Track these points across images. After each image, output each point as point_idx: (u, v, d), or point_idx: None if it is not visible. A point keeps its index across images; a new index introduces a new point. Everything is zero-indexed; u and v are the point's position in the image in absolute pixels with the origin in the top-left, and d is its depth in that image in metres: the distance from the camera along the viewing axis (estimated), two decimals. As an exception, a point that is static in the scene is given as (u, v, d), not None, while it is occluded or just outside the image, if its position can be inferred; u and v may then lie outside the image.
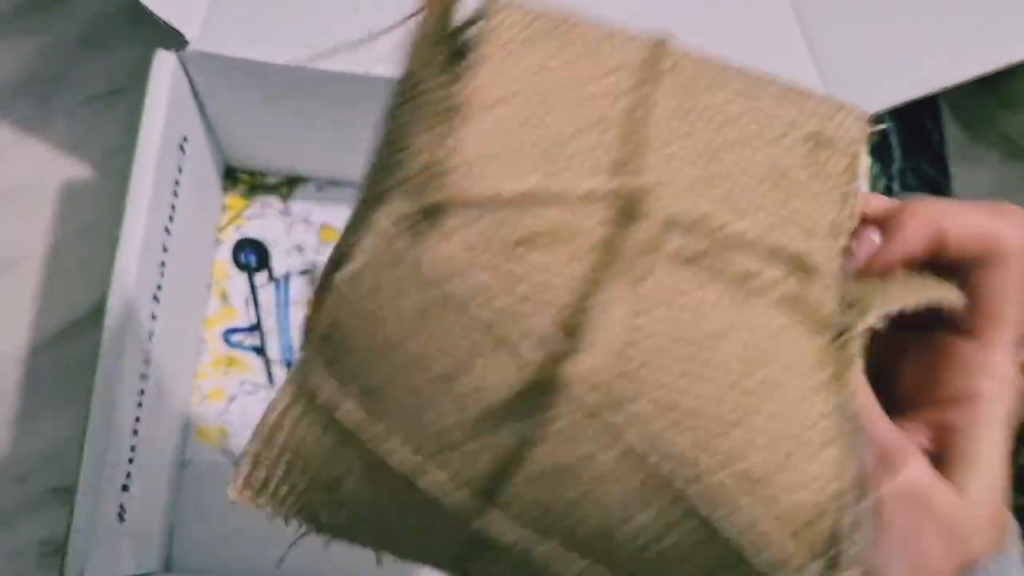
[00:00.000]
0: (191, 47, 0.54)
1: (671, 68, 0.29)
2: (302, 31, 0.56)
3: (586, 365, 0.24)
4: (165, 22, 0.53)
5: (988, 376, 0.30)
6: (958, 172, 0.81)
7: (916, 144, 0.81)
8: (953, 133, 0.82)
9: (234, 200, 0.69)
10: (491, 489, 0.27)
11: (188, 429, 0.64)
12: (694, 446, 0.25)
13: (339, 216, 0.70)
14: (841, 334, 0.27)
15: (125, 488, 0.51)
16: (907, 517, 0.28)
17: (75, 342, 0.66)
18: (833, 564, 0.26)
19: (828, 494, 0.26)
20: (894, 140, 0.81)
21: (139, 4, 0.71)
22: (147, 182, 0.51)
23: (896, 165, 0.80)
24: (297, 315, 0.67)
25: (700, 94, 0.29)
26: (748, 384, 0.26)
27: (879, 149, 0.80)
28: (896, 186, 0.79)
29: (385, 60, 0.54)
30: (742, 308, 0.27)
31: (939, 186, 0.80)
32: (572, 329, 0.25)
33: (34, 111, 0.71)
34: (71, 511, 0.47)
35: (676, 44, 0.30)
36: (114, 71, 0.72)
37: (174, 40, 0.54)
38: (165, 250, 0.54)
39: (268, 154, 0.68)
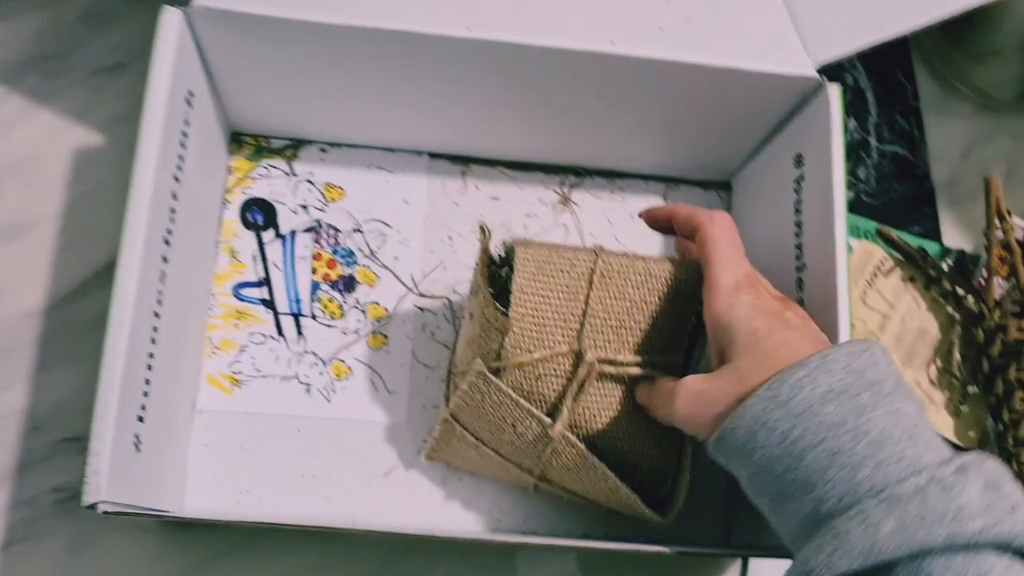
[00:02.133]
0: (197, 3, 0.56)
1: (600, 272, 0.56)
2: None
3: (557, 428, 0.56)
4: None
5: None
6: (932, 124, 0.84)
7: (891, 99, 0.84)
8: (926, 87, 0.85)
9: (240, 163, 0.71)
10: (537, 471, 0.60)
11: (200, 377, 0.67)
12: (611, 452, 0.58)
13: (341, 176, 0.72)
14: None
15: (140, 419, 0.54)
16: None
17: (86, 300, 0.69)
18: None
19: (668, 475, 0.61)
20: (870, 96, 0.83)
21: (141, -21, 0.75)
22: (157, 132, 0.54)
23: (872, 120, 0.83)
24: (303, 269, 0.70)
25: (615, 283, 0.57)
26: (636, 426, 0.58)
27: (855, 105, 0.83)
28: (873, 140, 0.82)
29: (378, 13, 0.58)
30: (631, 391, 0.58)
31: (914, 139, 0.82)
32: (554, 411, 0.57)
33: (40, 86, 0.73)
34: (86, 456, 0.49)
35: (604, 253, 0.57)
36: (117, 46, 0.75)
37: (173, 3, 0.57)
38: (175, 198, 0.57)
39: (272, 118, 0.70)
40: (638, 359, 0.57)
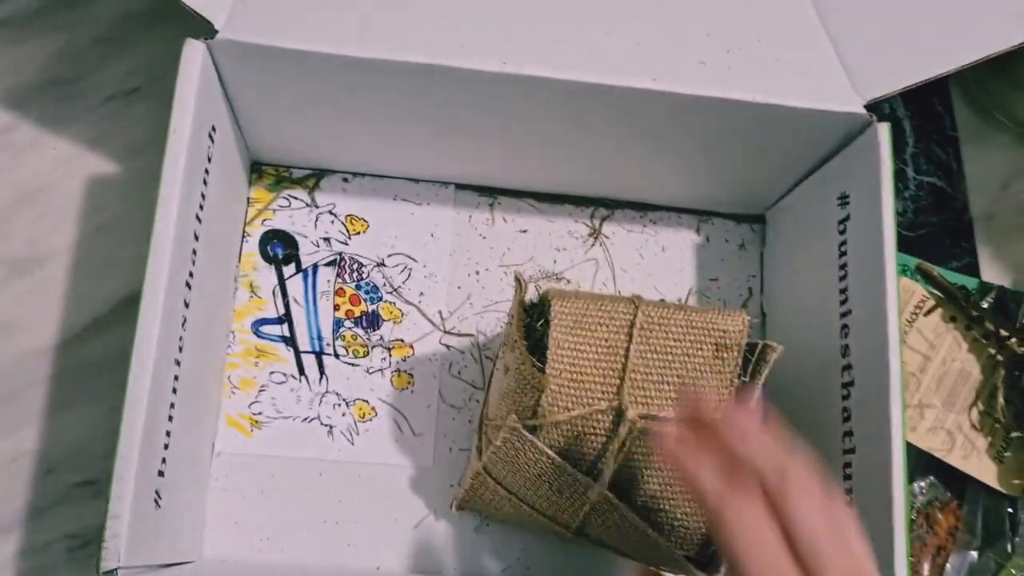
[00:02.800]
0: (220, 36, 0.53)
1: (640, 324, 0.54)
2: (327, 19, 0.56)
3: (597, 490, 0.54)
4: (193, 12, 0.53)
5: None
6: (970, 155, 0.81)
7: (928, 129, 0.81)
8: (964, 116, 0.82)
9: (260, 193, 0.69)
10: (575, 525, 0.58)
11: (219, 418, 0.64)
12: (654, 510, 0.56)
13: (364, 207, 0.70)
14: None
15: (161, 474, 0.51)
16: None
17: (101, 338, 0.66)
18: None
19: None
20: (907, 125, 0.81)
21: (156, 6, 0.72)
22: (179, 168, 0.51)
23: (909, 150, 0.80)
24: (325, 305, 0.67)
25: (656, 336, 0.54)
26: (679, 484, 0.55)
27: (892, 136, 0.80)
28: (910, 170, 0.79)
29: (410, 46, 0.55)
30: None
31: (951, 169, 0.80)
32: (593, 469, 0.55)
33: (54, 111, 0.71)
34: (105, 502, 0.47)
35: (644, 304, 0.55)
36: (133, 71, 0.72)
37: (195, 36, 0.54)
38: (197, 238, 0.54)
39: (294, 148, 0.68)
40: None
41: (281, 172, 0.70)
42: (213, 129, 0.57)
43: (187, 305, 0.53)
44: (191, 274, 0.54)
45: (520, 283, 0.57)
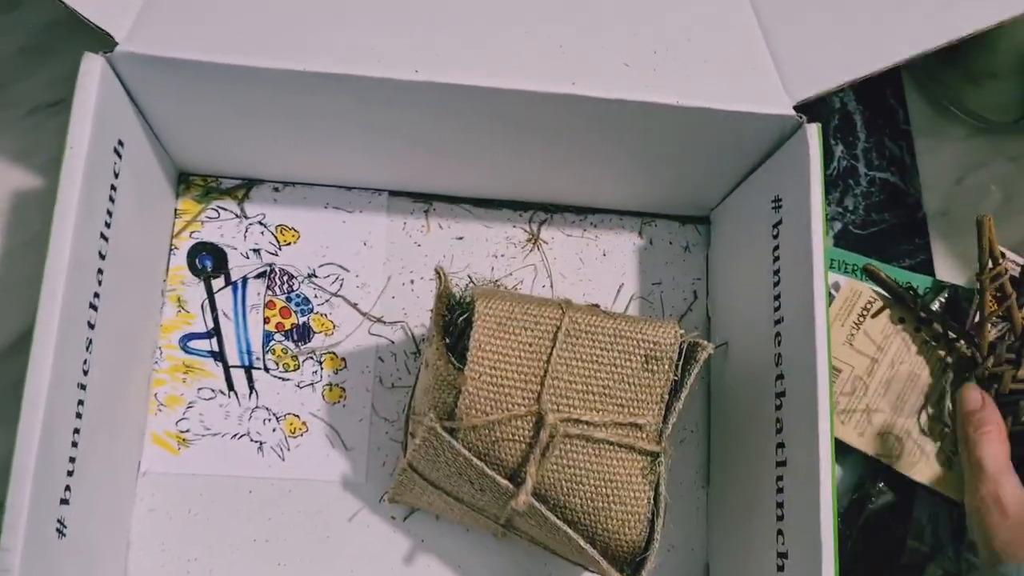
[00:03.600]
0: (120, 48, 0.52)
1: (566, 330, 0.53)
2: (236, 28, 0.54)
3: (521, 498, 0.52)
4: (92, 25, 0.51)
5: None
6: (924, 150, 0.79)
7: (880, 123, 0.79)
8: (918, 109, 0.80)
9: (188, 204, 0.67)
10: (503, 519, 0.57)
11: (144, 437, 0.63)
12: (579, 512, 0.54)
13: (295, 216, 0.68)
14: (656, 457, 0.53)
15: (65, 502, 0.50)
16: None
17: (20, 357, 0.64)
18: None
19: (639, 538, 0.54)
20: (858, 120, 0.79)
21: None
22: (75, 188, 0.49)
23: (861, 145, 0.79)
24: (255, 318, 0.66)
25: (582, 343, 0.53)
26: (605, 489, 0.53)
27: (843, 129, 0.78)
28: (861, 166, 0.78)
29: (319, 55, 0.54)
30: (600, 454, 0.53)
31: (905, 165, 0.78)
32: (515, 476, 0.53)
33: (-22, 122, 0.69)
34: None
35: (572, 309, 0.54)
36: (58, 81, 0.71)
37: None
38: (103, 257, 0.53)
39: (221, 158, 0.66)
40: (605, 420, 0.53)
41: (209, 182, 0.68)
42: (120, 144, 0.55)
43: (92, 327, 0.52)
44: (96, 295, 0.52)
45: (440, 275, 0.55)
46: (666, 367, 0.53)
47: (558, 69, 0.56)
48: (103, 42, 0.52)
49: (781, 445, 0.56)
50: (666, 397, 0.54)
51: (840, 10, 0.61)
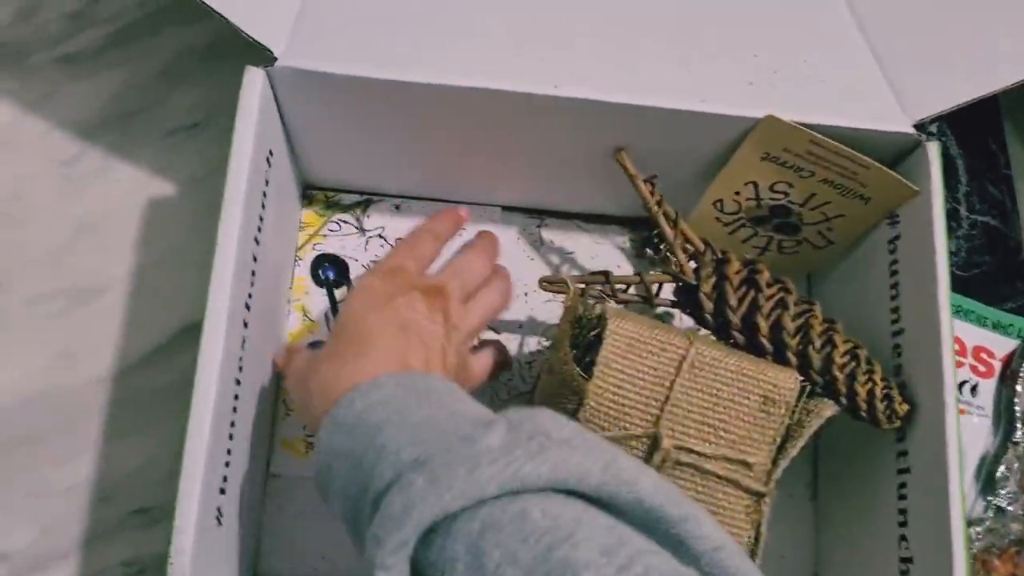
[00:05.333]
0: (279, 63, 0.54)
1: (691, 361, 0.53)
2: (383, 43, 0.56)
3: None
4: (252, 40, 0.53)
5: None
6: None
7: (981, 167, 0.80)
8: (1018, 155, 0.81)
9: (311, 217, 0.69)
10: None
11: (274, 442, 0.64)
12: None
13: (411, 230, 0.69)
14: (761, 497, 0.53)
15: (222, 491, 0.51)
16: None
17: (159, 367, 0.66)
18: None
19: None
20: (960, 164, 0.80)
21: (218, 41, 0.73)
22: (240, 193, 0.51)
23: (962, 188, 0.79)
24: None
25: (704, 375, 0.53)
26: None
27: (945, 173, 0.79)
28: (963, 209, 0.78)
29: (464, 71, 0.55)
30: (707, 486, 0.53)
31: (1005, 208, 0.79)
32: None
33: (119, 143, 0.72)
34: (170, 527, 0.46)
35: (698, 341, 0.53)
36: (195, 104, 0.73)
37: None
38: (255, 260, 0.54)
39: (344, 171, 0.68)
40: (717, 453, 0.53)
41: (331, 197, 0.70)
42: (271, 153, 0.57)
43: (246, 329, 0.53)
44: (250, 295, 0.54)
45: (570, 288, 0.56)
46: (782, 411, 0.53)
47: (686, 87, 0.57)
48: (241, 68, 0.54)
49: (903, 453, 0.56)
50: (778, 440, 0.53)
51: (951, 31, 0.62)
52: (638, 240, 0.72)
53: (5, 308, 0.67)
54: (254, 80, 0.53)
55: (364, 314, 0.51)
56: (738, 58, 0.60)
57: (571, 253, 0.71)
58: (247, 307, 0.53)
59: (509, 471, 0.38)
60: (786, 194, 0.61)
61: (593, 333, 0.55)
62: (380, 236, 0.69)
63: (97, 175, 0.71)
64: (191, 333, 0.65)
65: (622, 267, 0.71)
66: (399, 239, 0.69)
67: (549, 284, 0.60)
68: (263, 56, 0.54)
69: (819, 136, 0.57)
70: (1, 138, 0.71)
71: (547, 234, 0.71)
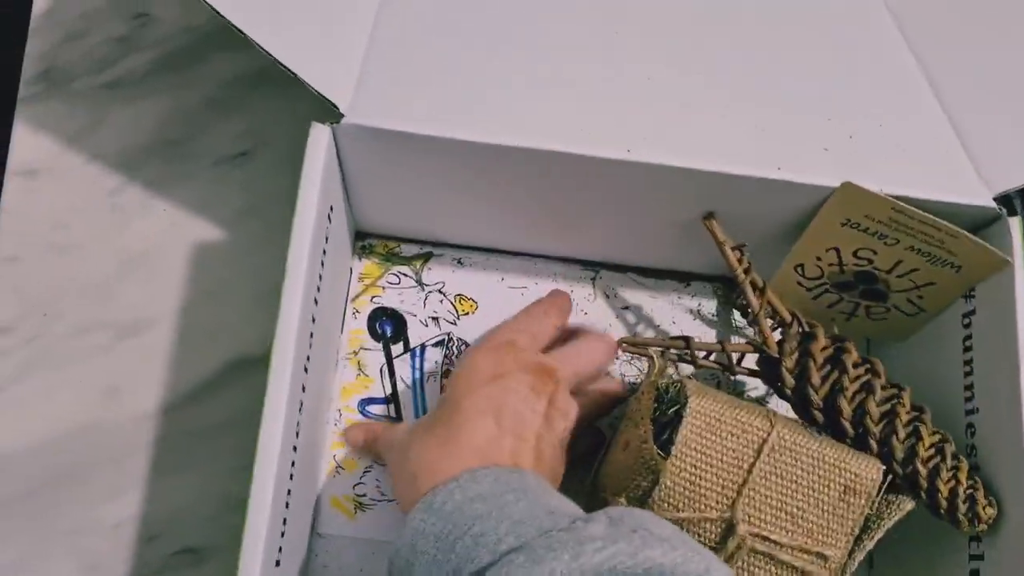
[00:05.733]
0: (345, 120, 0.52)
1: (771, 444, 0.51)
2: (447, 100, 0.54)
3: None
4: (318, 95, 0.51)
5: None
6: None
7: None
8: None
9: (370, 268, 0.67)
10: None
11: (322, 500, 0.62)
12: None
13: (472, 286, 0.68)
14: None
15: (278, 563, 0.49)
16: None
17: (205, 404, 0.65)
18: None
19: None
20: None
21: (266, 68, 0.71)
22: (304, 259, 0.49)
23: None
24: (432, 386, 0.65)
25: (784, 460, 0.51)
26: None
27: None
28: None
29: (534, 131, 0.53)
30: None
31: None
32: None
33: (164, 173, 0.70)
34: (216, 568, 0.47)
35: (779, 423, 0.52)
36: (242, 133, 0.71)
37: (302, 103, 0.53)
38: (314, 321, 0.52)
39: (400, 220, 0.66)
40: (793, 543, 0.51)
41: (391, 248, 0.68)
42: (331, 209, 0.55)
43: (304, 390, 0.52)
44: (308, 358, 0.52)
45: (654, 362, 0.54)
46: (863, 502, 0.51)
47: (761, 152, 0.55)
48: (290, 98, 0.52)
49: (976, 539, 0.54)
50: (856, 532, 0.52)
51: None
52: (708, 294, 0.70)
53: (52, 341, 0.66)
54: (320, 138, 0.51)
55: (464, 395, 0.51)
56: (812, 121, 0.58)
57: (627, 307, 0.69)
58: (305, 370, 0.51)
59: (614, 560, 0.39)
60: (870, 260, 0.59)
61: (672, 410, 0.53)
62: (440, 291, 0.67)
63: (143, 205, 0.69)
64: (237, 368, 0.65)
65: (676, 322, 0.69)
66: (460, 295, 0.67)
67: (630, 346, 0.58)
68: (327, 110, 0.52)
69: (901, 204, 0.54)
70: (48, 165, 0.70)
71: (602, 286, 0.69)
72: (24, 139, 0.70)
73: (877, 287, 0.61)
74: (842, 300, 0.63)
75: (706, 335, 0.69)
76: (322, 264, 0.53)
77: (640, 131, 0.55)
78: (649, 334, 0.68)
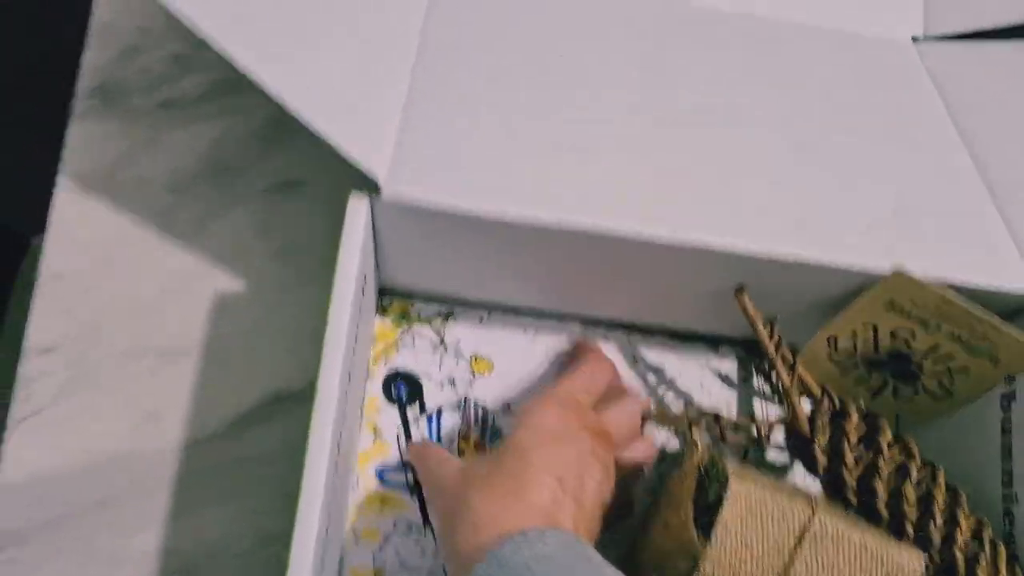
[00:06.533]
0: (385, 194, 0.51)
1: (813, 532, 0.49)
2: (483, 174, 0.53)
3: None
4: (357, 167, 0.50)
5: None
6: None
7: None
8: None
9: (384, 329, 0.66)
10: None
11: (343, 569, 0.61)
12: None
13: (490, 347, 0.67)
14: None
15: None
16: None
17: (241, 437, 0.65)
18: None
19: None
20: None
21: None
22: (342, 335, 0.49)
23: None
24: (450, 451, 0.63)
25: (825, 548, 0.50)
26: None
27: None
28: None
29: (570, 207, 0.52)
30: None
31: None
32: None
33: (214, 198, 0.70)
34: None
35: (821, 509, 0.50)
36: (292, 163, 0.71)
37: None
38: (347, 395, 0.52)
39: (421, 281, 0.65)
40: None
41: (407, 307, 0.67)
42: (365, 280, 0.54)
43: (337, 468, 0.51)
44: (341, 434, 0.52)
45: (696, 446, 0.54)
46: None
47: (804, 232, 0.54)
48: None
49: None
50: None
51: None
52: (732, 357, 0.69)
53: (96, 362, 0.66)
54: (359, 210, 0.51)
55: (531, 449, 0.50)
56: (854, 199, 0.57)
57: (654, 370, 0.68)
58: (338, 447, 0.51)
59: None
60: (907, 342, 0.57)
61: (712, 490, 0.52)
62: (456, 352, 0.66)
63: (191, 229, 0.69)
64: (274, 404, 0.65)
65: (704, 386, 0.68)
66: (473, 355, 0.66)
67: (662, 420, 0.58)
68: (365, 182, 0.51)
69: (951, 295, 0.53)
70: (102, 182, 0.70)
71: (628, 347, 0.68)
72: (76, 154, 0.70)
73: (909, 368, 0.59)
74: (870, 378, 0.61)
75: (735, 400, 0.68)
76: (356, 339, 0.53)
77: (679, 207, 0.53)
78: (677, 398, 0.67)
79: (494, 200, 0.52)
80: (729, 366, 0.68)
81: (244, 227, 0.69)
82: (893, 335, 0.57)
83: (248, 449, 0.65)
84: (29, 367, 0.65)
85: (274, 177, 0.71)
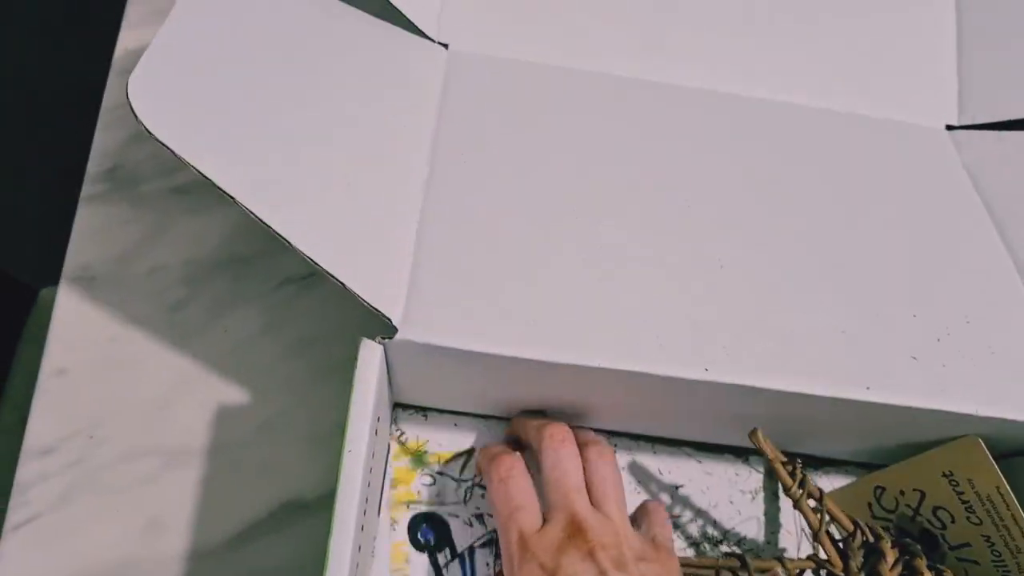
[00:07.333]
0: (399, 336, 0.48)
1: None
2: (495, 311, 0.50)
3: None
4: (371, 309, 0.47)
5: None
6: None
7: None
8: None
9: (402, 473, 0.62)
10: None
11: None
12: None
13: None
14: None
15: None
16: None
17: (253, 546, 0.61)
18: None
19: None
20: None
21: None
22: (357, 483, 0.46)
23: None
24: (489, 586, 0.60)
25: None
26: None
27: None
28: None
29: (590, 349, 0.49)
30: None
31: None
32: None
33: (227, 290, 0.67)
34: None
35: None
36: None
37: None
38: (360, 549, 0.49)
39: (433, 399, 0.62)
40: None
41: (421, 447, 0.63)
42: (378, 420, 0.51)
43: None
44: (360, 548, 0.48)
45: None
46: None
47: (847, 365, 0.50)
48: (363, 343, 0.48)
49: None
50: None
51: None
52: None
53: (98, 466, 0.62)
54: (372, 354, 0.48)
55: None
56: (897, 317, 0.53)
57: (680, 485, 0.64)
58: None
59: None
60: (944, 526, 0.54)
61: None
62: (479, 486, 0.62)
63: (203, 324, 0.66)
64: (289, 512, 0.61)
65: (735, 502, 0.64)
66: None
67: (686, 567, 0.54)
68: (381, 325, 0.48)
69: (1006, 489, 0.50)
70: (112, 273, 0.67)
71: (654, 460, 0.64)
72: (83, 241, 0.67)
73: (934, 553, 0.56)
74: (895, 541, 0.58)
75: (761, 515, 0.64)
76: (368, 484, 0.50)
77: (707, 344, 0.50)
78: (704, 512, 0.63)
79: (512, 341, 0.49)
80: (757, 479, 0.65)
81: (258, 322, 0.66)
82: (935, 513, 0.54)
83: (256, 561, 0.61)
84: (27, 470, 0.61)
85: (289, 269, 0.68)
